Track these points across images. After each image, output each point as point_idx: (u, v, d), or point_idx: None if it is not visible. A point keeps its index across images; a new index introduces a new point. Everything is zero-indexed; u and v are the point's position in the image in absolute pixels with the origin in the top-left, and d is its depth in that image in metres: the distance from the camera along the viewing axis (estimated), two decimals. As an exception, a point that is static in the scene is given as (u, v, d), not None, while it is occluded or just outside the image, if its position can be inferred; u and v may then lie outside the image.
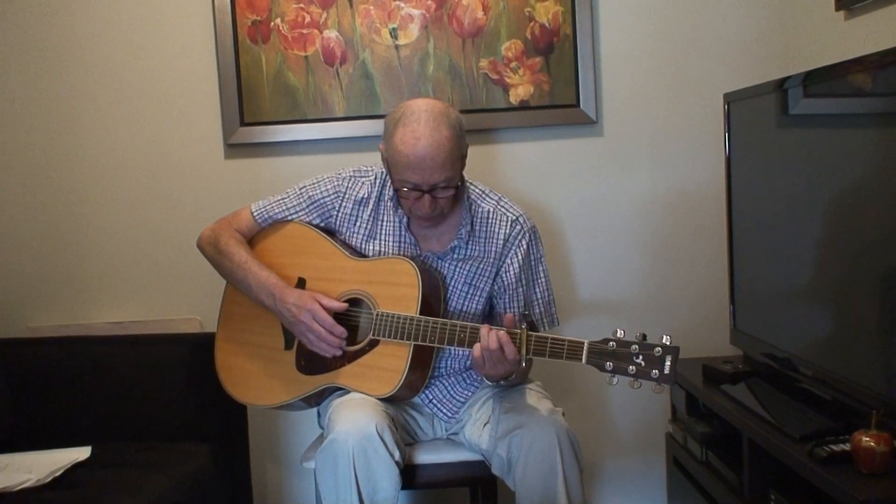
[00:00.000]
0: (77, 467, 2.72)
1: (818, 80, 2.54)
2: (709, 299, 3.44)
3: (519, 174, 3.44)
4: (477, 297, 2.75)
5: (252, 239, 2.86)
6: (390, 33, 3.38)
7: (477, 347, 2.46)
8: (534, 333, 2.45)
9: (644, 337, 2.36)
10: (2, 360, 3.07)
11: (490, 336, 2.44)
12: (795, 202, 2.67)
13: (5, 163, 3.45)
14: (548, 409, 2.60)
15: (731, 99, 3.01)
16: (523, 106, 3.41)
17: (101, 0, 3.40)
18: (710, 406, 2.85)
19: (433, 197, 2.59)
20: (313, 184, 2.82)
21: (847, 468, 2.15)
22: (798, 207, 2.66)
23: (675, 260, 3.50)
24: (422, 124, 2.52)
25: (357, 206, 2.78)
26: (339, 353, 2.65)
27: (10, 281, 3.46)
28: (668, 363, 2.33)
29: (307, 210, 2.81)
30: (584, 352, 2.39)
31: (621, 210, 3.48)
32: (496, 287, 2.76)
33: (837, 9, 2.99)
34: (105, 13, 3.41)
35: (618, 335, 2.38)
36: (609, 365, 2.37)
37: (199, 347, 3.02)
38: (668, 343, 2.34)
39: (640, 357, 2.35)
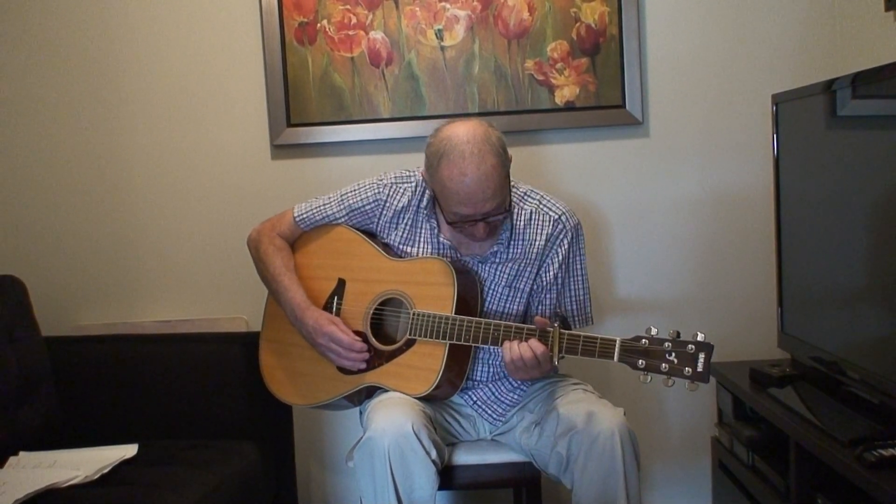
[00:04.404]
0: (124, 464, 2.74)
1: (867, 82, 2.51)
2: (755, 302, 3.41)
3: (564, 175, 3.43)
4: (518, 299, 2.75)
5: (295, 241, 2.90)
6: (436, 34, 3.39)
7: (507, 356, 2.49)
8: (566, 332, 2.45)
9: (678, 334, 2.34)
10: (51, 357, 3.10)
11: (522, 347, 2.46)
12: (844, 204, 2.64)
13: (54, 164, 3.49)
14: (609, 407, 2.58)
15: (779, 100, 2.98)
16: (569, 107, 3.40)
17: (151, 3, 3.44)
18: (757, 410, 2.83)
19: (486, 222, 2.60)
20: (354, 191, 2.83)
21: (896, 473, 2.13)
22: (847, 210, 2.63)
23: (721, 262, 3.47)
24: (466, 159, 2.50)
25: (397, 215, 2.79)
26: (362, 366, 2.69)
27: (58, 280, 3.51)
28: (701, 360, 2.31)
29: (347, 217, 2.83)
30: (616, 349, 2.38)
31: (667, 211, 3.46)
32: (534, 286, 2.76)
33: (887, 9, 2.96)
34: (154, 16, 3.44)
35: (651, 332, 2.36)
36: (641, 363, 2.35)
37: (247, 346, 3.04)
38: (701, 340, 2.32)
39: (673, 354, 2.33)
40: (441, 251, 2.75)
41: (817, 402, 2.69)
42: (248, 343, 3.05)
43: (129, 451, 2.83)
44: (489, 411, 2.79)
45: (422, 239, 2.77)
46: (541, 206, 2.75)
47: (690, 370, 2.31)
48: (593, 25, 3.37)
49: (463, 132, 2.54)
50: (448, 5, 3.37)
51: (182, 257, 3.52)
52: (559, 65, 3.38)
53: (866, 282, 2.58)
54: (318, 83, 3.41)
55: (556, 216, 2.74)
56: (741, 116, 3.41)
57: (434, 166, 2.56)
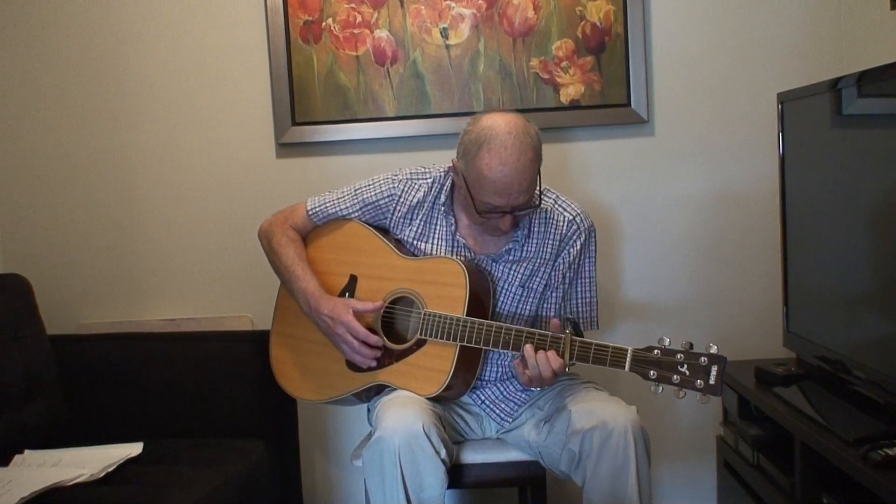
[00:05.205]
0: (129, 463, 2.74)
1: (873, 80, 2.51)
2: (761, 301, 3.40)
3: (569, 174, 3.43)
4: (530, 299, 2.74)
5: (307, 234, 2.89)
6: (441, 33, 3.38)
7: (519, 365, 2.50)
8: (578, 339, 2.44)
9: (690, 345, 2.33)
10: (56, 356, 3.10)
11: (539, 357, 2.46)
12: (850, 203, 2.64)
13: (59, 163, 3.50)
14: (622, 405, 2.58)
15: (784, 99, 2.98)
16: (574, 105, 3.40)
17: (156, 3, 3.44)
18: (762, 409, 2.82)
19: (514, 215, 2.59)
20: (368, 185, 2.82)
21: (901, 473, 2.13)
22: (852, 208, 2.63)
23: (726, 261, 3.47)
24: (508, 149, 2.49)
25: (411, 210, 2.78)
26: (373, 363, 2.68)
27: (63, 278, 3.51)
28: (713, 373, 2.29)
29: (360, 212, 2.82)
30: (628, 359, 2.37)
31: (672, 210, 3.46)
32: (546, 286, 2.75)
33: (893, 7, 2.96)
34: (158, 15, 3.44)
35: (663, 343, 2.35)
36: (653, 373, 2.34)
37: (252, 345, 3.05)
38: (714, 352, 2.31)
39: (685, 366, 2.32)
40: (456, 249, 2.74)
41: (823, 401, 2.68)
42: (253, 341, 3.05)
43: (135, 449, 2.83)
44: (497, 410, 2.78)
45: (436, 235, 2.76)
46: (556, 206, 2.74)
47: (702, 383, 2.30)
48: (598, 24, 3.36)
49: (504, 123, 2.54)
50: (453, 4, 3.37)
51: (187, 256, 3.52)
52: (564, 63, 3.38)
53: (872, 281, 2.57)
54: (322, 82, 3.41)
55: (571, 217, 2.74)
56: (747, 115, 3.40)
57: (473, 154, 2.54)
